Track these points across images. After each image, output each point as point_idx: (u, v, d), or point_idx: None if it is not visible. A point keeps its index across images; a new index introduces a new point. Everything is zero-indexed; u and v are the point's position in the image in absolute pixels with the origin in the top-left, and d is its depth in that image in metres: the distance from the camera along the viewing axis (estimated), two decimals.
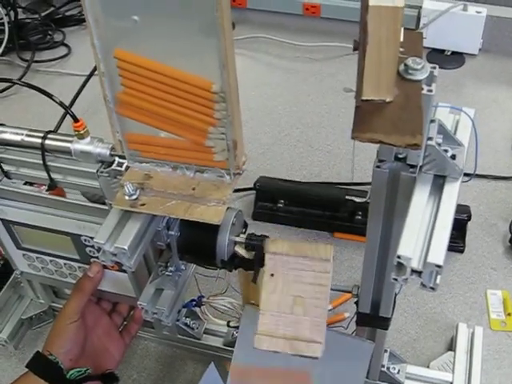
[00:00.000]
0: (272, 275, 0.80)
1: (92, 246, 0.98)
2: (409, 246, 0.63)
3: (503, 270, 1.30)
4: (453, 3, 1.81)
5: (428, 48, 1.89)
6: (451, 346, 1.16)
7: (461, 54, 1.90)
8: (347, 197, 1.36)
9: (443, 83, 1.77)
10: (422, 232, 0.65)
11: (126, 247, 0.77)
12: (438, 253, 0.62)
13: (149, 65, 0.70)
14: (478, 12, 1.80)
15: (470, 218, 1.31)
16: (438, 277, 0.64)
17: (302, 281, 0.79)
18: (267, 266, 0.81)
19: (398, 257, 0.62)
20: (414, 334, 1.21)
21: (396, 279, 0.64)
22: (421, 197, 0.67)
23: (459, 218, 1.29)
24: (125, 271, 0.98)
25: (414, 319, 1.23)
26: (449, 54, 1.89)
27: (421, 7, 1.83)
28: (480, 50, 1.89)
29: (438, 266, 0.61)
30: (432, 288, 0.64)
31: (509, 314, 1.21)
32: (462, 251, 1.33)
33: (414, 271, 0.63)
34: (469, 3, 1.81)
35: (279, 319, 0.77)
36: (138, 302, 0.93)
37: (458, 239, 1.33)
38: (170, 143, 0.77)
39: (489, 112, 1.69)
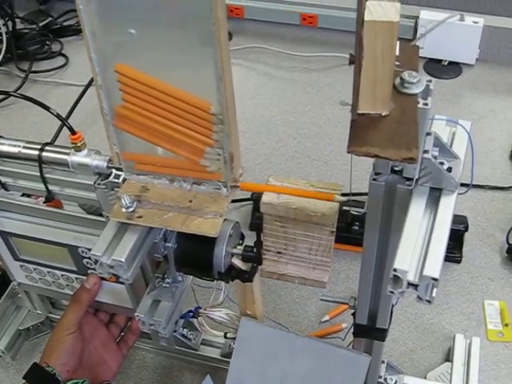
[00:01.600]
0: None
1: (89, 258, 0.98)
2: (405, 259, 0.63)
3: (500, 281, 1.30)
4: (450, 13, 1.82)
5: (425, 58, 1.90)
6: (448, 357, 1.16)
7: (458, 63, 1.90)
8: (345, 207, 1.36)
9: (440, 93, 1.77)
10: (418, 245, 0.65)
11: (123, 259, 0.77)
12: (434, 266, 0.62)
13: (148, 81, 0.70)
14: (475, 22, 1.81)
15: (467, 228, 1.31)
16: (435, 290, 0.63)
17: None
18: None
19: (395, 270, 0.62)
20: (411, 344, 1.21)
21: (392, 292, 0.64)
22: (417, 209, 0.67)
23: (456, 228, 1.30)
24: (122, 283, 0.99)
25: (411, 330, 1.23)
26: (446, 63, 1.90)
27: (418, 17, 1.84)
28: (477, 59, 1.89)
29: (434, 279, 0.61)
30: (428, 301, 0.64)
31: (506, 325, 1.21)
32: (459, 261, 1.33)
33: (410, 284, 0.63)
34: (466, 13, 1.81)
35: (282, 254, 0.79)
36: (136, 314, 0.93)
37: (455, 249, 1.33)
38: (166, 162, 0.78)
39: (486, 122, 1.70)
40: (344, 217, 1.36)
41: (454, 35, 1.83)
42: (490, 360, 1.17)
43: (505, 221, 1.41)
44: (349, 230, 1.36)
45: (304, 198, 0.81)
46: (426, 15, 1.83)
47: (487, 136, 1.64)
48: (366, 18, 0.55)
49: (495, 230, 1.40)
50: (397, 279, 0.63)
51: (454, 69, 1.90)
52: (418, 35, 1.85)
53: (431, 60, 1.90)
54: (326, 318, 1.23)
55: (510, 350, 1.19)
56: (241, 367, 0.98)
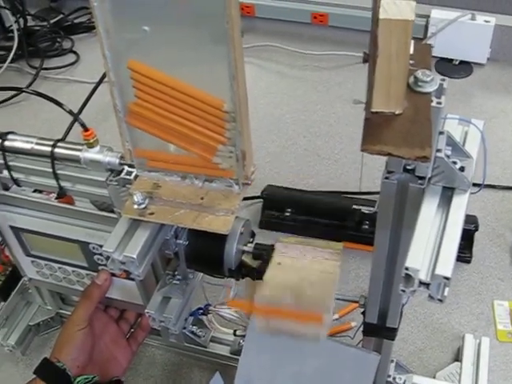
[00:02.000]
0: (279, 263, 0.80)
1: (100, 254, 0.98)
2: (417, 258, 0.63)
3: (510, 281, 1.30)
4: (461, 12, 1.81)
5: (436, 57, 1.89)
6: (458, 357, 1.16)
7: (469, 63, 1.90)
8: (355, 206, 1.36)
9: (451, 92, 1.76)
10: (430, 244, 0.65)
11: (134, 256, 0.77)
12: (447, 265, 0.62)
13: (161, 78, 0.70)
14: (487, 21, 1.80)
15: (477, 228, 1.31)
16: (446, 289, 0.63)
17: (310, 267, 0.79)
18: (275, 256, 0.81)
19: (406, 268, 0.62)
20: (421, 344, 1.21)
21: (404, 291, 0.64)
22: (429, 208, 0.67)
23: (466, 228, 1.29)
24: (133, 279, 0.99)
25: (421, 329, 1.23)
26: (457, 63, 1.89)
27: (429, 16, 1.84)
28: (488, 59, 1.89)
29: (446, 278, 0.61)
30: (440, 300, 0.64)
31: None
32: (468, 261, 1.33)
33: (421, 283, 0.63)
34: (477, 12, 1.81)
35: (283, 293, 0.77)
36: (146, 310, 0.94)
37: (465, 249, 1.33)
38: (178, 159, 0.78)
39: (497, 122, 1.69)
40: (354, 215, 1.37)
41: (465, 34, 1.83)
42: (499, 360, 1.16)
43: None
44: (359, 228, 1.36)
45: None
46: (437, 14, 1.83)
47: (498, 136, 1.64)
48: (380, 17, 0.55)
49: (505, 230, 1.40)
50: (408, 278, 0.63)
51: (464, 68, 1.89)
52: (428, 34, 1.84)
53: (442, 59, 1.90)
54: (336, 316, 1.23)
55: None
56: (250, 364, 0.98)
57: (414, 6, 0.56)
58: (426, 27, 1.86)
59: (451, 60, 1.90)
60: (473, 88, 1.82)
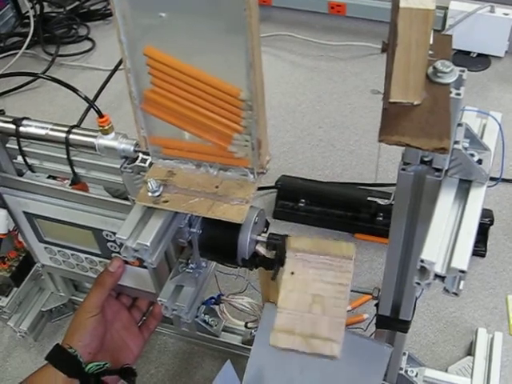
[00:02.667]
0: (292, 273, 0.80)
1: (113, 241, 0.98)
2: (433, 251, 0.62)
3: None
4: (480, 4, 1.79)
5: (453, 49, 1.87)
6: (470, 351, 1.16)
7: (487, 56, 1.88)
8: (370, 198, 1.35)
9: (468, 85, 1.74)
10: (446, 237, 0.64)
11: (148, 243, 0.76)
12: (462, 258, 0.61)
13: (177, 65, 0.69)
14: (506, 14, 1.78)
15: (492, 222, 1.30)
16: (462, 282, 0.63)
17: (322, 279, 0.78)
18: (287, 264, 0.81)
19: (422, 261, 0.62)
20: (433, 337, 1.20)
21: (418, 283, 0.64)
22: (446, 201, 0.66)
23: (481, 221, 1.28)
24: (146, 267, 0.99)
25: (434, 323, 1.22)
26: (474, 55, 1.88)
27: (447, 8, 1.82)
28: (506, 52, 1.87)
29: (462, 272, 0.61)
30: (455, 293, 0.63)
31: None
32: (483, 255, 1.32)
33: (437, 276, 0.62)
34: (496, 5, 1.79)
35: (297, 317, 0.76)
36: (158, 299, 0.93)
37: (479, 243, 1.32)
38: (193, 147, 0.77)
39: None
40: (369, 207, 1.36)
41: (484, 27, 1.81)
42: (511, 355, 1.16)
43: None
44: (373, 220, 1.35)
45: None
46: (456, 6, 1.81)
47: None
48: (401, 5, 0.55)
49: None
50: (423, 270, 0.62)
51: (482, 61, 1.87)
52: (447, 26, 1.83)
53: (460, 52, 1.88)
54: (348, 308, 1.22)
55: None
56: (262, 354, 0.98)
57: None
58: (445, 19, 1.84)
59: (469, 52, 1.88)
60: (490, 81, 1.81)
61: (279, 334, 0.76)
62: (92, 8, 2.25)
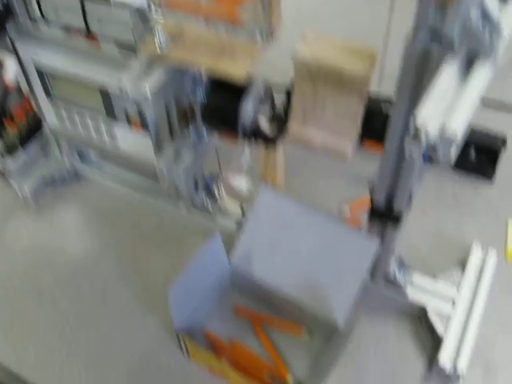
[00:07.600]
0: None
1: (118, 100, 0.97)
2: (428, 114, 0.61)
3: None
4: None
5: None
6: (463, 267, 1.15)
7: None
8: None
9: None
10: (443, 105, 0.62)
11: (147, 89, 0.76)
12: (458, 124, 0.60)
13: None
14: None
15: (504, 144, 1.27)
16: (453, 149, 0.61)
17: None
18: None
19: (416, 121, 0.61)
20: (427, 250, 1.20)
21: (411, 151, 0.62)
22: (449, 73, 0.65)
23: (493, 144, 1.27)
24: (148, 129, 0.98)
25: (429, 237, 1.22)
26: None
27: None
28: None
29: (455, 137, 0.60)
30: (445, 162, 0.62)
31: None
32: (490, 178, 1.30)
33: (429, 145, 0.61)
34: None
35: (309, 115, 0.77)
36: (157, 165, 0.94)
37: (488, 165, 1.30)
38: (205, 6, 0.76)
39: None
40: (378, 120, 1.33)
41: None
42: (503, 279, 1.14)
43: None
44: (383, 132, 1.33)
45: (338, 56, 0.78)
46: None
47: None
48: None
49: None
50: (417, 133, 0.61)
51: None
52: None
53: None
54: (346, 206, 1.21)
55: None
56: (253, 232, 0.99)
57: None
58: None
59: None
60: None
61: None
62: None
